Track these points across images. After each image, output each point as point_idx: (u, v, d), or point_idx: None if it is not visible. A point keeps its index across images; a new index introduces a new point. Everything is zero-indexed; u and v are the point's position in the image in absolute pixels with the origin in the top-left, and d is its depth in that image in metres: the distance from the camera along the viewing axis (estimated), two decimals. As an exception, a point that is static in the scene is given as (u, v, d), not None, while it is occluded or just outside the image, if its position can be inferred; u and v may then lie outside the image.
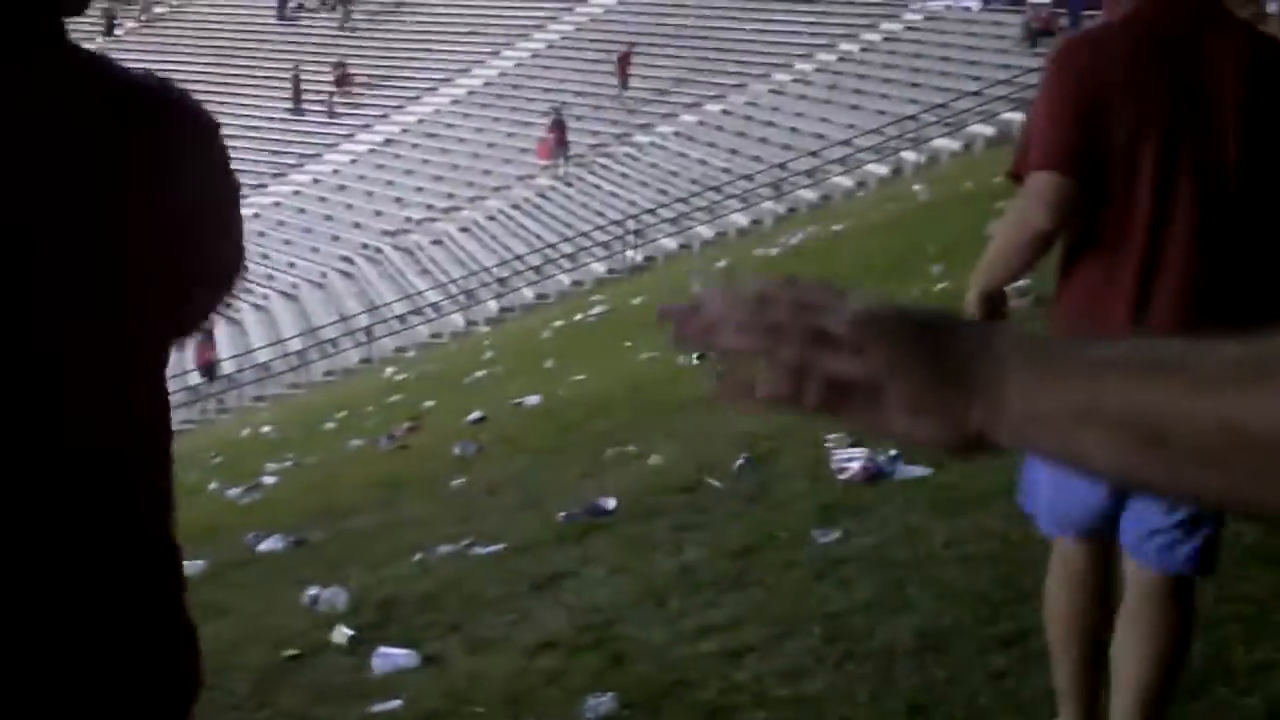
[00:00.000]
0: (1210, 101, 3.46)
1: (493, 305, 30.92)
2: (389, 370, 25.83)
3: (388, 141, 43.41)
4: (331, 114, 45.25)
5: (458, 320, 30.82)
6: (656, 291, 22.87)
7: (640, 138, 37.95)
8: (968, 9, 40.21)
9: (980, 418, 1.12)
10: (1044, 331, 1.74)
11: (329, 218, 39.65)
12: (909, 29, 39.68)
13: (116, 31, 54.67)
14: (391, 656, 5.89)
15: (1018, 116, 27.15)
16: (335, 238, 38.27)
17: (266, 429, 18.78)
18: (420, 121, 43.92)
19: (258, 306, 34.00)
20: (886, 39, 39.35)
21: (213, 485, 14.96)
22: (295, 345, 31.62)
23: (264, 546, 9.50)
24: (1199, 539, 3.62)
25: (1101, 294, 3.50)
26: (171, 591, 1.92)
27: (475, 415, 15.18)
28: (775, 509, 7.23)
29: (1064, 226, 3.48)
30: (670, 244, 30.79)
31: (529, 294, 30.94)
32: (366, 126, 44.47)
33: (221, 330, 31.42)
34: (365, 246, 37.18)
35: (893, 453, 7.58)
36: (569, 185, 36.83)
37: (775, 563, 6.26)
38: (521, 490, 9.71)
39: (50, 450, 1.73)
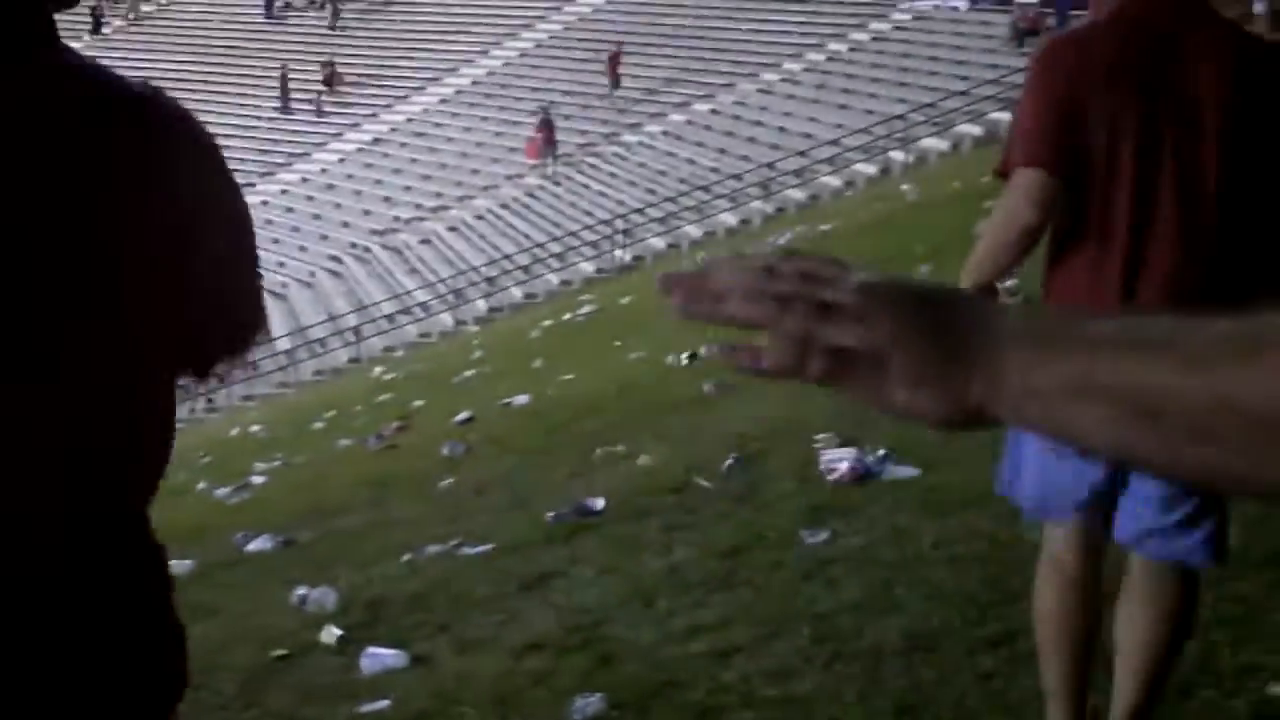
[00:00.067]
0: (1194, 100, 3.49)
1: (481, 305, 30.91)
2: (377, 370, 25.82)
3: (376, 141, 43.38)
4: (319, 113, 45.20)
5: (446, 320, 30.82)
6: (645, 291, 22.88)
7: (628, 137, 37.95)
8: (955, 9, 40.24)
9: (979, 391, 1.13)
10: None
11: (317, 217, 39.62)
12: (897, 29, 39.71)
13: (104, 30, 54.58)
14: (380, 657, 5.89)
15: (1005, 116, 27.17)
16: (324, 237, 38.24)
17: (255, 428, 18.77)
18: (409, 121, 43.89)
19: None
20: (874, 39, 39.37)
21: (201, 485, 14.94)
22: (284, 344, 31.59)
23: (252, 546, 9.49)
24: (1200, 534, 3.66)
25: (1087, 292, 3.54)
26: (158, 591, 1.92)
27: (464, 415, 15.17)
28: (764, 509, 7.24)
29: (1049, 222, 3.54)
30: (659, 243, 30.80)
31: (517, 293, 30.94)
32: (355, 126, 44.45)
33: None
34: (354, 246, 37.16)
35: (881, 453, 7.59)
36: (557, 185, 36.83)
37: (763, 563, 6.27)
38: (510, 490, 9.71)
39: (42, 451, 1.74)
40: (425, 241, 36.19)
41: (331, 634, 6.29)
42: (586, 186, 36.13)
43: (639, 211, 32.48)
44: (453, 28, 48.00)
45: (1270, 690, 4.27)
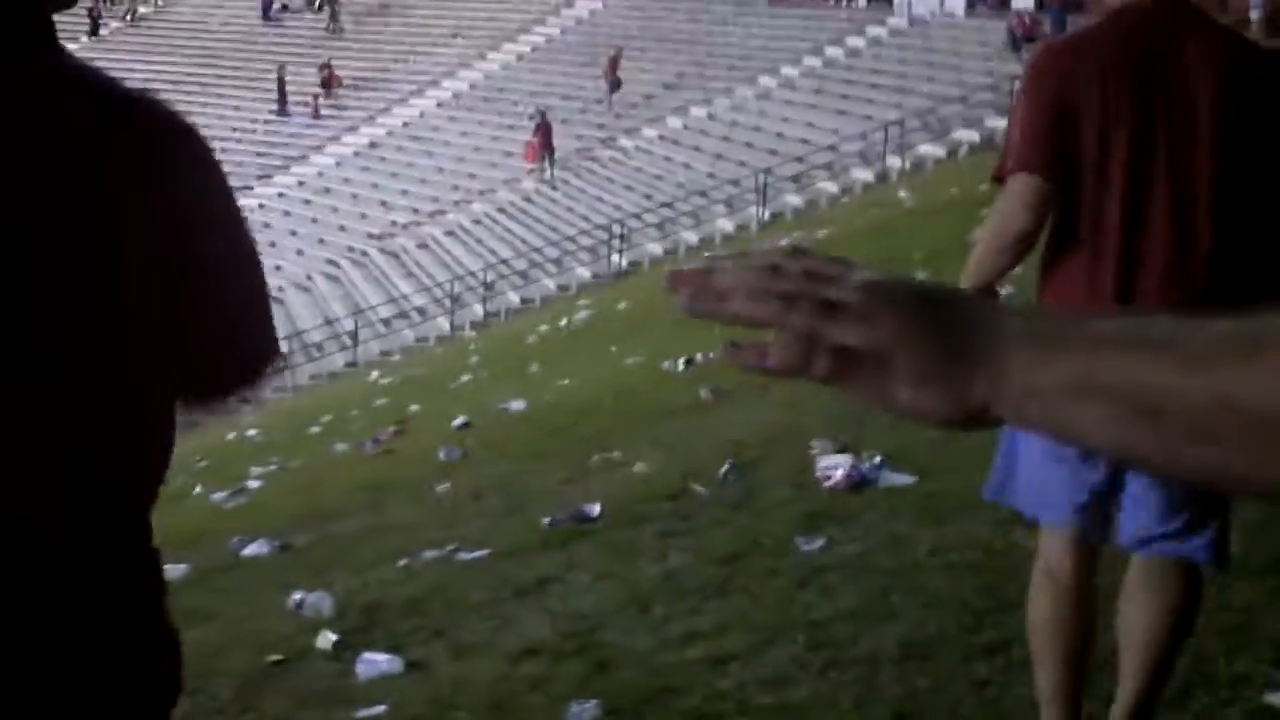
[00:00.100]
0: (1188, 105, 3.53)
1: (478, 309, 30.90)
2: (374, 374, 25.82)
3: (373, 144, 43.35)
4: (316, 116, 45.18)
5: (443, 324, 30.80)
6: (641, 297, 22.89)
7: (625, 142, 37.95)
8: (952, 15, 40.28)
9: (982, 390, 1.14)
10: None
11: (314, 221, 39.59)
12: (894, 34, 39.74)
13: (101, 32, 54.58)
14: (375, 662, 5.89)
15: (1002, 123, 27.14)
16: (320, 241, 38.22)
17: (251, 432, 18.76)
18: (405, 125, 43.87)
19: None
20: (871, 44, 39.40)
21: (198, 489, 14.94)
22: (282, 349, 31.57)
23: (248, 551, 9.49)
24: (1202, 539, 3.70)
25: (1082, 296, 3.58)
26: (152, 595, 1.93)
27: (460, 420, 15.18)
28: (760, 516, 7.24)
29: (1042, 227, 3.59)
30: (655, 249, 30.79)
31: (514, 298, 30.93)
32: (352, 129, 44.42)
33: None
34: (351, 250, 37.14)
35: (877, 460, 7.60)
36: (554, 189, 36.82)
37: (759, 570, 6.27)
38: (506, 496, 9.71)
39: (41, 451, 1.74)
40: (422, 246, 36.18)
41: (327, 639, 6.29)
42: (583, 191, 36.13)
43: (636, 217, 32.48)
44: (449, 32, 48.01)
45: (1265, 699, 4.28)
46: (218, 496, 14.17)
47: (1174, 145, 3.53)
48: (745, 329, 1.20)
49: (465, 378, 20.46)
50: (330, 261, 36.90)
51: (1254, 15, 26.87)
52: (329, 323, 32.76)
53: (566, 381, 16.69)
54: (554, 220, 34.87)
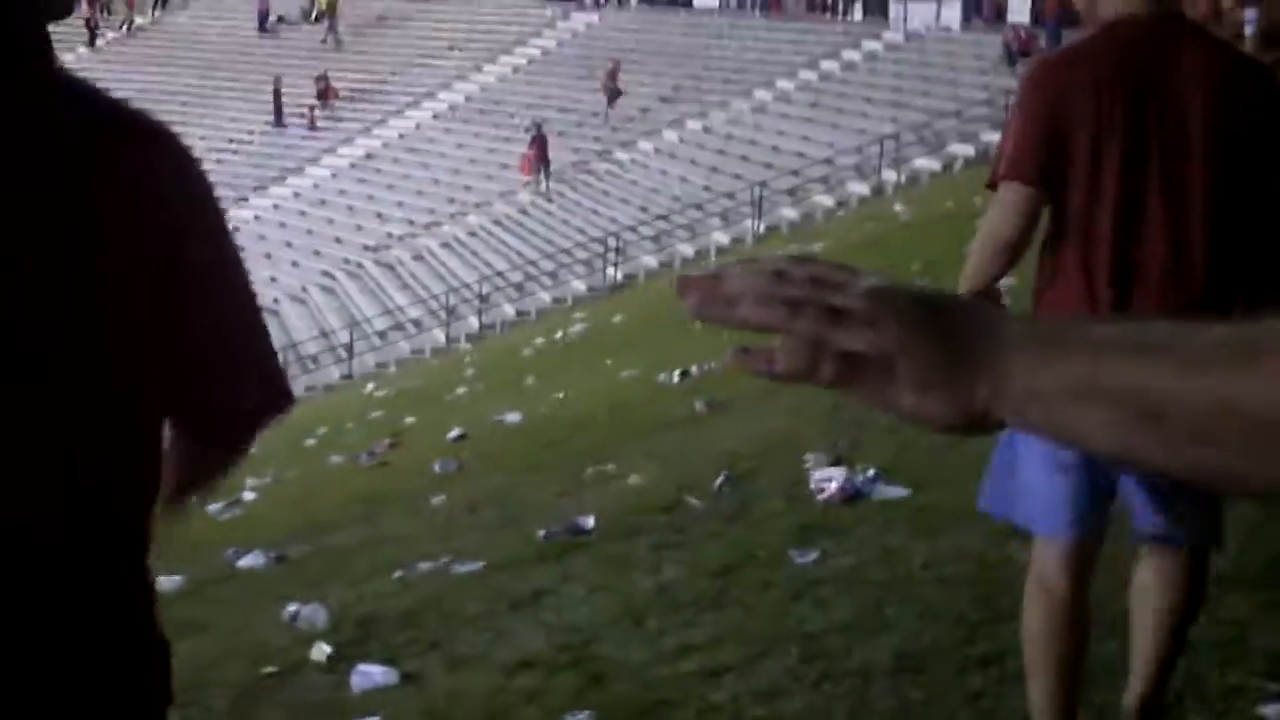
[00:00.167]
0: (1182, 116, 3.57)
1: (473, 322, 30.89)
2: (369, 386, 25.82)
3: (369, 156, 43.35)
4: (312, 128, 45.18)
5: (439, 336, 30.80)
6: (637, 309, 22.90)
7: (621, 154, 37.97)
8: (948, 29, 40.33)
9: (985, 394, 1.16)
10: None
11: (310, 232, 39.58)
12: (889, 48, 39.79)
13: (98, 43, 54.60)
14: (370, 674, 5.90)
15: (997, 137, 27.18)
16: (316, 252, 38.21)
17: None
18: (401, 137, 43.88)
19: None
20: (867, 58, 39.45)
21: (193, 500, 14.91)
22: (279, 358, 31.54)
23: (244, 563, 9.49)
24: (1203, 520, 3.84)
25: (1077, 303, 3.62)
26: (141, 606, 1.93)
27: (456, 432, 15.19)
28: (754, 529, 7.25)
29: (1032, 234, 3.66)
30: (651, 262, 30.79)
31: (510, 311, 30.92)
32: (347, 141, 44.42)
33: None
34: (347, 261, 37.13)
35: (871, 473, 7.61)
36: (550, 201, 36.82)
37: (753, 582, 6.28)
38: (501, 508, 9.72)
39: (36, 454, 1.75)
40: (418, 258, 36.18)
41: (322, 651, 6.29)
42: (579, 204, 36.14)
43: (631, 230, 32.49)
44: (446, 43, 48.03)
45: (1258, 711, 4.29)
46: (213, 508, 14.16)
47: (1167, 157, 3.57)
48: (752, 334, 1.21)
49: (461, 390, 20.46)
50: (326, 273, 36.89)
51: (1248, 30, 26.91)
52: (324, 335, 32.76)
53: (562, 394, 16.69)
54: (549, 233, 34.87)
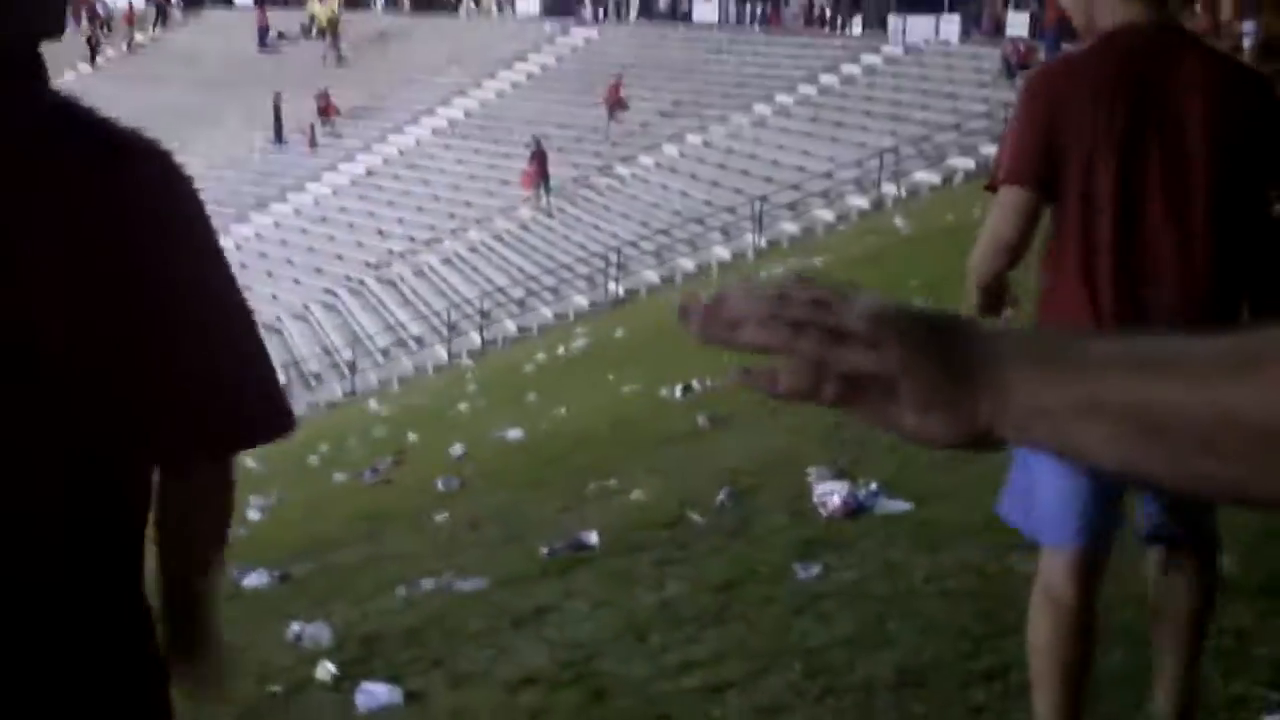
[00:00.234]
0: (1181, 123, 3.61)
1: (475, 338, 30.88)
2: (372, 404, 25.82)
3: (369, 172, 43.37)
4: (313, 144, 45.21)
5: (440, 353, 30.78)
6: (639, 325, 22.89)
7: (622, 169, 37.98)
8: (946, 43, 40.38)
9: (987, 412, 1.17)
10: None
11: (311, 249, 39.59)
12: (889, 62, 39.82)
13: (99, 61, 54.71)
14: (374, 693, 5.90)
15: (997, 150, 27.18)
16: (317, 270, 38.22)
17: (251, 463, 18.74)
18: (401, 153, 43.90)
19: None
20: (867, 72, 39.48)
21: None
22: (280, 379, 31.51)
23: (248, 581, 9.49)
24: (1207, 519, 3.92)
25: (1080, 316, 3.64)
26: (139, 626, 1.94)
27: (458, 449, 15.19)
28: (756, 544, 7.26)
29: (1029, 235, 3.70)
30: (652, 276, 30.78)
31: (512, 326, 30.90)
32: (348, 157, 44.45)
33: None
34: (348, 278, 37.14)
35: (873, 487, 7.62)
36: (550, 217, 36.82)
37: (756, 598, 6.29)
38: (504, 525, 9.73)
39: (21, 472, 1.77)
40: (419, 274, 36.19)
41: (326, 670, 6.30)
42: (580, 219, 36.14)
43: (632, 245, 32.49)
44: (445, 59, 48.07)
45: (1261, 722, 4.30)
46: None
47: (1168, 165, 3.60)
48: (754, 355, 1.23)
49: (463, 407, 20.46)
50: (328, 290, 36.89)
51: (1247, 42, 26.95)
52: (327, 352, 32.77)
53: (564, 410, 16.70)
54: (551, 248, 34.87)
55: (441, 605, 7.36)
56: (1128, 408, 1.11)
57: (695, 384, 14.49)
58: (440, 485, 12.68)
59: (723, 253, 30.64)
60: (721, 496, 8.35)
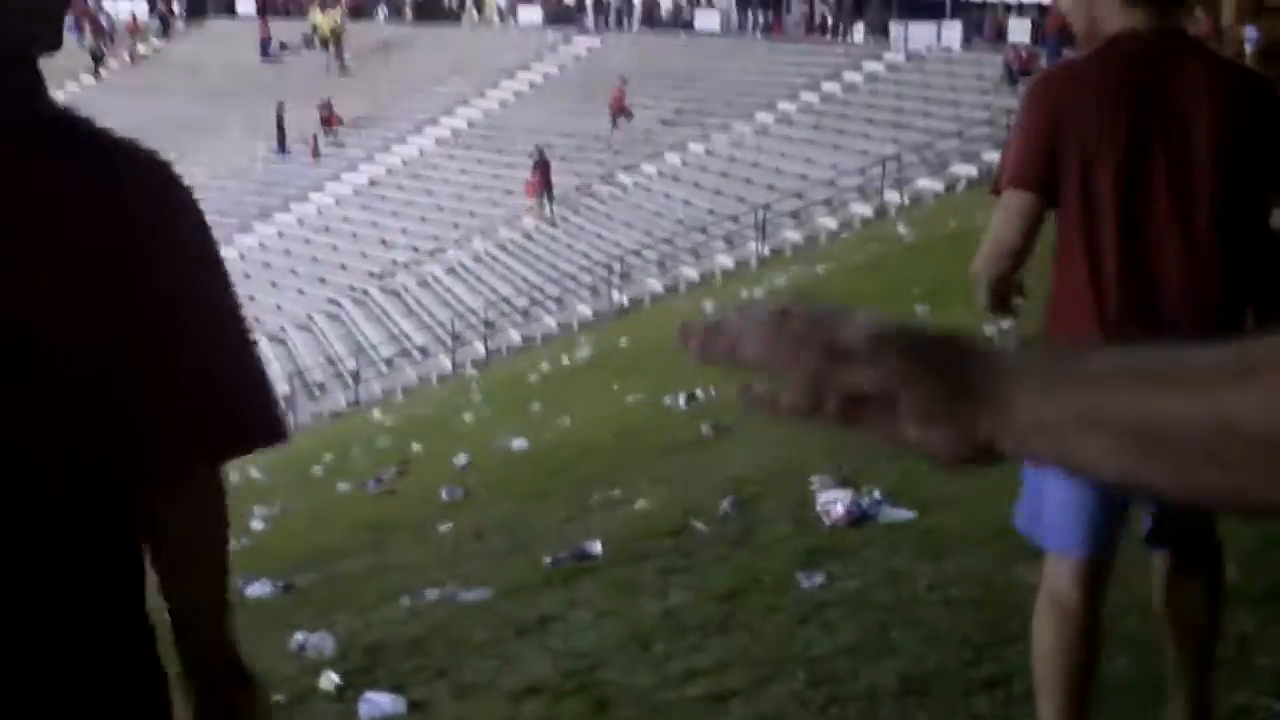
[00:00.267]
0: (1186, 127, 3.64)
1: (479, 348, 30.89)
2: (376, 413, 25.83)
3: (372, 182, 43.39)
4: (316, 154, 45.24)
5: (445, 363, 30.80)
6: (642, 334, 22.90)
7: (625, 178, 38.00)
8: (949, 49, 40.39)
9: (988, 427, 1.17)
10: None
11: (314, 259, 39.61)
12: (890, 69, 39.84)
13: (102, 73, 54.79)
14: (378, 703, 5.90)
15: (1000, 156, 27.21)
16: (321, 279, 38.24)
17: (254, 473, 18.79)
18: (405, 163, 43.93)
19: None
20: (869, 79, 39.50)
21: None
22: (283, 388, 31.58)
23: (252, 591, 9.50)
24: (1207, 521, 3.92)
25: (1088, 319, 3.65)
26: (139, 636, 1.94)
27: (462, 459, 15.20)
28: (759, 553, 7.26)
29: (1032, 238, 3.70)
30: (656, 285, 30.78)
31: (516, 336, 30.92)
32: (351, 167, 44.47)
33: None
34: (351, 288, 37.16)
35: (877, 496, 7.62)
36: (554, 226, 36.84)
37: (760, 606, 6.29)
38: (508, 534, 9.73)
39: (34, 451, 1.78)
40: (423, 284, 36.21)
41: (330, 680, 6.31)
42: (583, 228, 36.15)
43: (636, 254, 32.50)
44: (448, 69, 48.11)
45: (1263, 731, 4.30)
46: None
47: (1173, 170, 3.62)
48: (754, 376, 1.23)
49: (467, 416, 20.47)
50: (331, 300, 36.91)
51: (1248, 47, 27.01)
52: (331, 362, 32.77)
53: (568, 420, 16.71)
54: (554, 258, 34.88)
55: (445, 615, 7.37)
56: (1128, 420, 1.11)
57: (699, 393, 14.50)
58: (444, 495, 12.69)
59: (726, 261, 30.63)
60: (725, 505, 8.36)
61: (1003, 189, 3.75)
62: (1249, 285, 3.72)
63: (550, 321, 31.13)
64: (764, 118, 38.47)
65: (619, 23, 51.41)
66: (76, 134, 1.84)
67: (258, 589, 9.51)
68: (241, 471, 17.47)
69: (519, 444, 15.40)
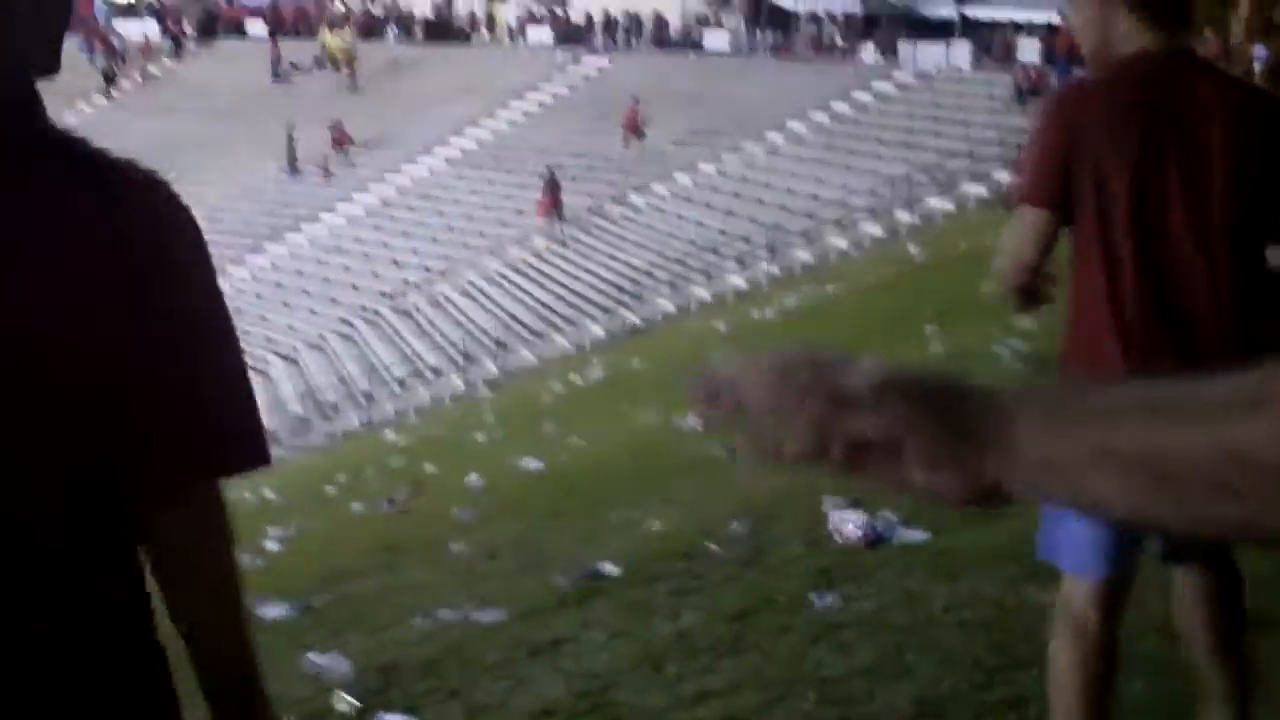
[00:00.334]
0: (1199, 144, 3.67)
1: (492, 368, 30.93)
2: (389, 433, 25.84)
3: (384, 202, 43.48)
4: (327, 174, 45.34)
5: (457, 383, 30.83)
6: (654, 354, 22.91)
7: (636, 198, 38.05)
8: (958, 69, 40.43)
9: (995, 468, 1.18)
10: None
11: (326, 279, 39.69)
12: (901, 89, 39.90)
13: (114, 94, 54.96)
14: (392, 725, 5.92)
15: (1010, 177, 27.28)
16: (333, 300, 38.31)
17: (269, 494, 18.81)
18: (415, 182, 44.01)
19: (258, 370, 34.01)
20: (879, 99, 39.56)
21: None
22: (296, 409, 31.61)
23: (267, 613, 9.50)
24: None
25: (1107, 334, 3.67)
26: (152, 658, 1.96)
27: (475, 479, 15.20)
28: (772, 573, 7.27)
29: (1048, 255, 3.74)
30: (668, 305, 30.83)
31: (528, 356, 30.96)
32: (362, 187, 44.56)
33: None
34: (364, 309, 37.22)
35: (890, 517, 7.62)
36: (565, 246, 36.90)
37: (772, 627, 6.29)
38: (521, 554, 9.73)
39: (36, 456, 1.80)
40: (435, 304, 36.26)
41: (344, 701, 6.31)
42: (594, 248, 36.20)
43: (648, 274, 32.54)
44: (458, 89, 48.20)
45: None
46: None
47: (1186, 189, 3.66)
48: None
49: (480, 437, 20.48)
50: (343, 320, 36.97)
51: (1257, 65, 27.03)
52: (343, 382, 32.81)
53: (581, 440, 16.71)
54: (566, 278, 34.94)
55: (459, 636, 7.37)
56: (1137, 453, 1.12)
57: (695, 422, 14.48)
58: (458, 515, 12.69)
59: (738, 281, 30.68)
60: (737, 526, 8.36)
61: (1019, 206, 3.80)
62: (1266, 304, 3.74)
63: (563, 341, 31.16)
64: (774, 138, 38.54)
65: (628, 43, 51.51)
66: (74, 154, 1.85)
67: (272, 610, 9.51)
68: (255, 492, 17.49)
69: (532, 464, 15.41)
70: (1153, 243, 3.65)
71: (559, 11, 56.08)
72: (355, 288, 38.62)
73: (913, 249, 26.84)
